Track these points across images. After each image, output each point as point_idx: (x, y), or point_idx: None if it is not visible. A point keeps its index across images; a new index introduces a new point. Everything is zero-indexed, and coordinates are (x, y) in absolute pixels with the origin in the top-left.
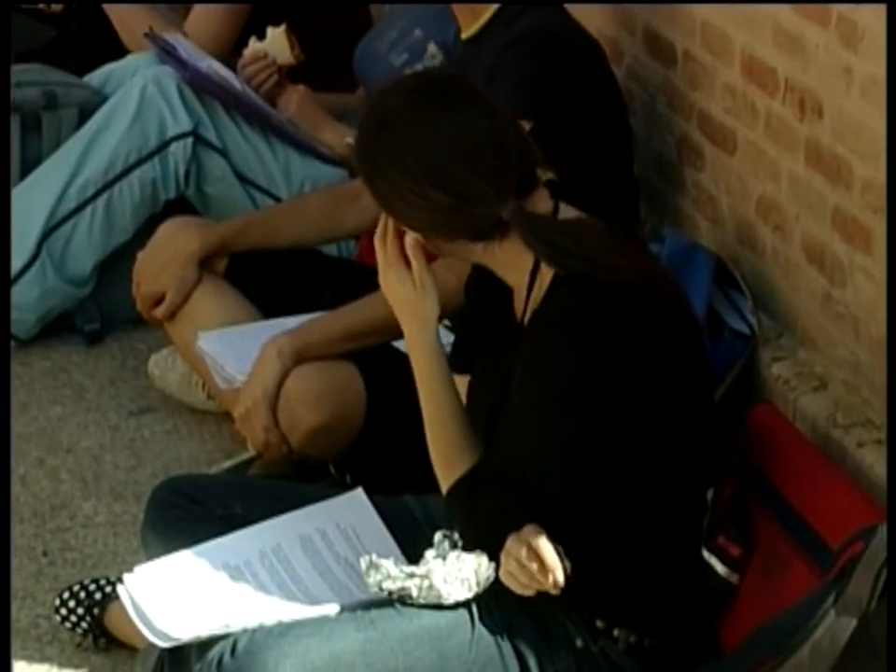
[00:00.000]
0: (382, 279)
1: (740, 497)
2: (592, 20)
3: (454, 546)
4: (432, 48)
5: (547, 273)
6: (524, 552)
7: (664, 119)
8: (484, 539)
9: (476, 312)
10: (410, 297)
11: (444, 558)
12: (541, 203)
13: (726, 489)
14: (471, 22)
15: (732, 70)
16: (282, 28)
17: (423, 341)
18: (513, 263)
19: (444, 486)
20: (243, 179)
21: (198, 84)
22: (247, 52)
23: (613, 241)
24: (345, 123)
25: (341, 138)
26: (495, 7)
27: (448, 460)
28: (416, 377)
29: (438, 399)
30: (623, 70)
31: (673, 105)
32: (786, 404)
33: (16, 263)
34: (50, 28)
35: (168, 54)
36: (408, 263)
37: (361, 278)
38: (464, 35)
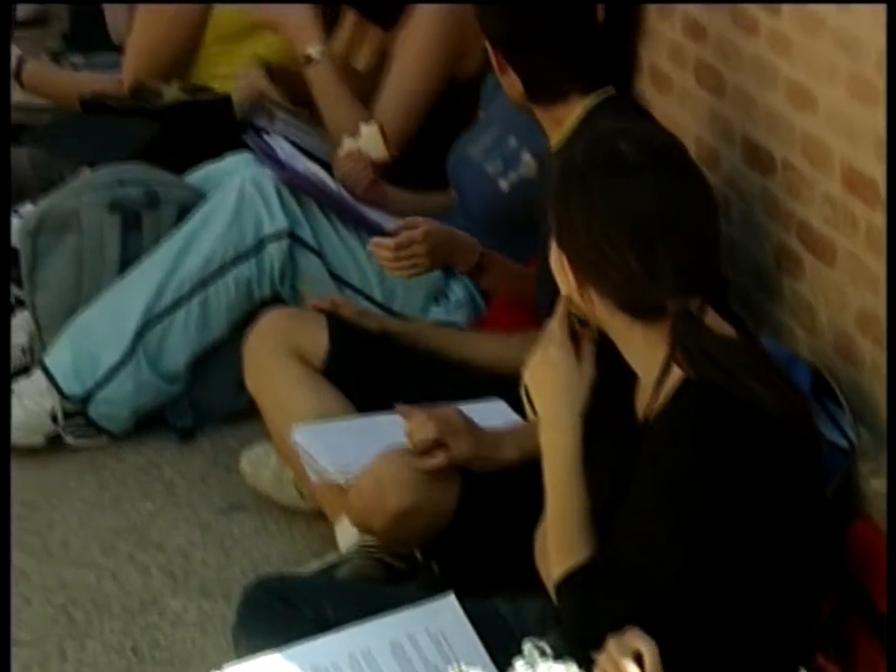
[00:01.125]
0: (541, 354)
1: (839, 614)
2: (688, 128)
3: (543, 655)
4: (526, 157)
5: (677, 371)
6: (627, 660)
7: (761, 228)
8: (587, 633)
9: (595, 393)
10: (569, 378)
11: (534, 668)
12: (694, 302)
13: (825, 606)
14: (556, 131)
15: (832, 180)
16: (375, 125)
17: (568, 422)
18: (647, 350)
19: (556, 573)
20: (337, 279)
21: (294, 184)
22: (342, 150)
23: (755, 360)
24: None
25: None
26: (578, 112)
27: (564, 548)
28: (548, 459)
29: (569, 484)
30: (719, 178)
31: (771, 214)
32: (885, 520)
33: (112, 358)
34: (156, 125)
35: (266, 155)
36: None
37: (459, 376)
38: (553, 144)
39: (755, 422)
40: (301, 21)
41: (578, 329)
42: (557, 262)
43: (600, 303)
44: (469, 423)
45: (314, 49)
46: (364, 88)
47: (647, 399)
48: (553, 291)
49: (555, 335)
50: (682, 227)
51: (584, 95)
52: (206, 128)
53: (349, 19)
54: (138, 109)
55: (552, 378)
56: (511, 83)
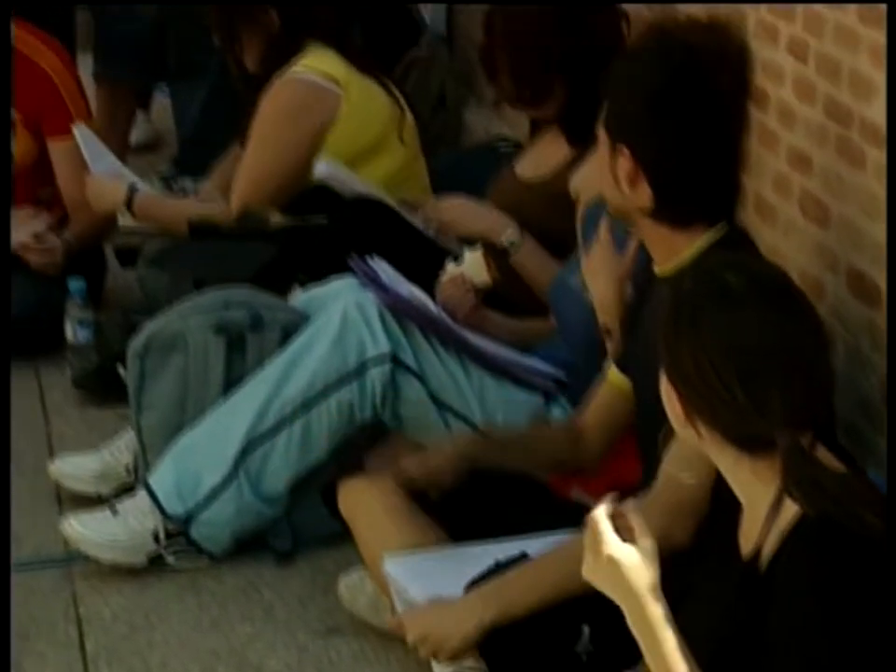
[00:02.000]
0: (593, 559)
1: None
2: (793, 259)
3: None
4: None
5: (791, 506)
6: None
7: (868, 360)
8: None
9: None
10: (633, 571)
11: None
12: (805, 436)
13: None
14: (669, 257)
15: None
16: (479, 251)
17: (652, 613)
18: (756, 483)
19: None
20: (438, 403)
21: (397, 308)
22: (445, 275)
23: (868, 494)
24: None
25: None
26: (699, 245)
27: None
28: (644, 648)
29: (665, 641)
30: (824, 309)
31: (877, 345)
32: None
33: (214, 479)
34: (271, 248)
35: (370, 279)
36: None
37: (555, 507)
38: (658, 271)
39: (875, 558)
40: (489, 219)
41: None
42: (666, 392)
43: (708, 435)
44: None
45: (508, 238)
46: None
47: (754, 532)
48: (658, 418)
49: (601, 534)
50: (791, 360)
51: (707, 228)
52: (313, 252)
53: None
54: (245, 233)
55: (615, 577)
56: (640, 195)
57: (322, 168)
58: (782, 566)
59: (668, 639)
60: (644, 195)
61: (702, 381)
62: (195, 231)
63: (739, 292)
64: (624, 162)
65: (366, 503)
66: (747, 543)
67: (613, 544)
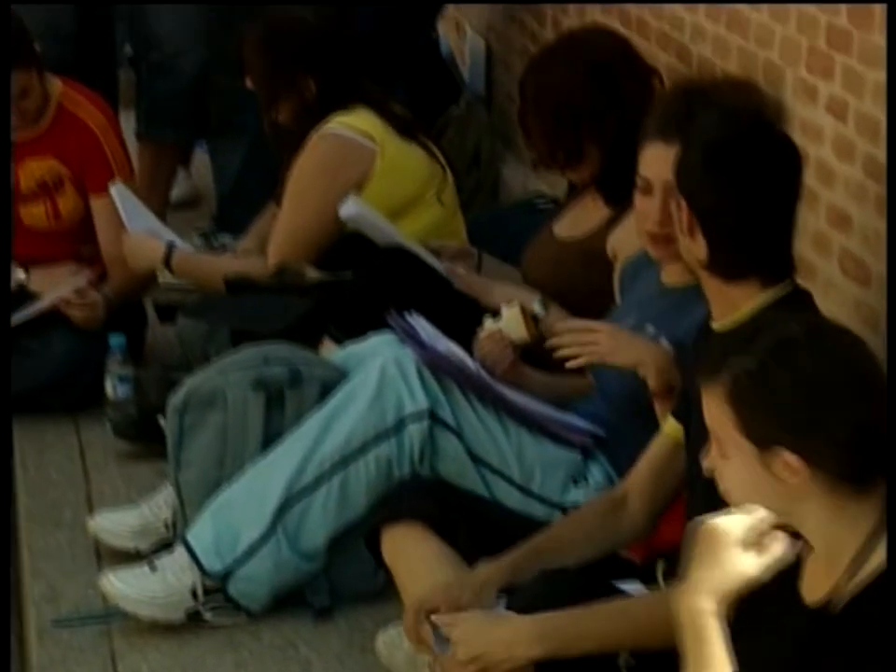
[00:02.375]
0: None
1: None
2: (833, 317)
3: None
4: (664, 343)
5: (879, 553)
6: None
7: None
8: None
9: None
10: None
11: None
12: None
13: None
14: (725, 313)
15: None
16: (517, 307)
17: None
18: (842, 528)
19: None
20: (476, 459)
21: (435, 365)
22: (483, 332)
23: None
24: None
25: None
26: (760, 301)
27: None
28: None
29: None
30: None
31: None
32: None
33: (252, 535)
34: (307, 301)
35: (408, 335)
36: None
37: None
38: (715, 325)
39: None
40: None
41: None
42: (734, 445)
43: (799, 475)
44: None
45: (538, 307)
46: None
47: (826, 579)
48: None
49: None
50: (872, 392)
51: (764, 284)
52: (347, 306)
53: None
54: (281, 288)
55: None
56: (695, 248)
57: (350, 207)
58: (865, 614)
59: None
60: (700, 246)
61: (803, 419)
62: (231, 287)
63: (808, 334)
64: (682, 214)
65: (408, 551)
66: (814, 591)
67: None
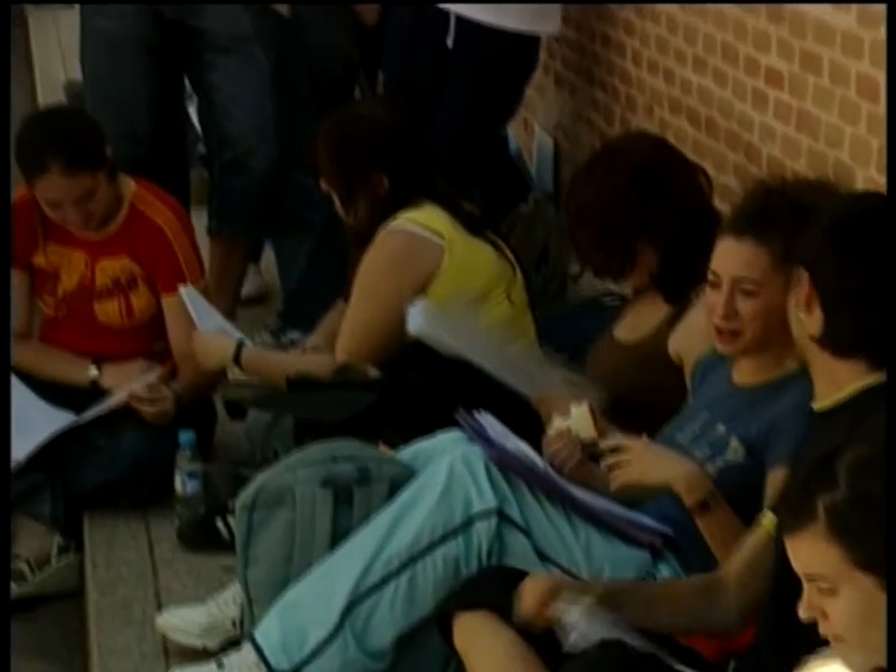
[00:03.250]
0: None
1: None
2: None
3: None
4: (734, 442)
5: None
6: None
7: None
8: None
9: None
10: None
11: None
12: None
13: None
14: (828, 393)
15: None
16: (585, 405)
17: None
18: None
19: None
20: (543, 557)
21: (503, 463)
22: (551, 430)
23: None
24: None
25: None
26: (867, 382)
27: None
28: None
29: None
30: None
31: None
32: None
33: (319, 634)
34: (369, 396)
35: (477, 433)
36: None
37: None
38: (816, 406)
39: None
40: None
41: None
42: (844, 581)
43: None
44: None
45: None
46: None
47: None
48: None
49: None
50: None
51: (871, 366)
52: (409, 403)
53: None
54: (343, 385)
55: None
56: (810, 322)
57: (417, 320)
58: None
59: None
60: (815, 320)
61: None
62: (293, 386)
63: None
64: (802, 288)
65: (482, 641)
66: None
67: None
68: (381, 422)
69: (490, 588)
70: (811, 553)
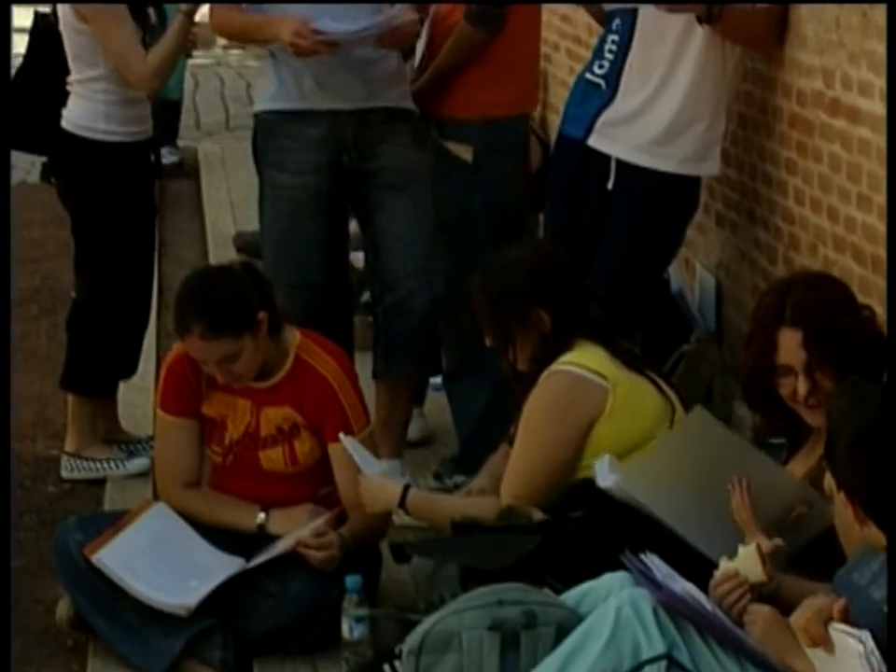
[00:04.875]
0: None
1: None
2: None
3: None
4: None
5: None
6: None
7: None
8: None
9: None
10: None
11: None
12: None
13: None
14: None
15: None
16: (753, 546)
17: None
18: None
19: None
20: None
21: (671, 606)
22: (718, 571)
23: None
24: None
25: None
26: None
27: None
28: None
29: None
30: None
31: None
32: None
33: None
34: (534, 539)
35: (643, 575)
36: None
37: None
38: None
39: None
40: None
41: None
42: None
43: None
44: None
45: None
46: None
47: None
48: None
49: None
50: None
51: None
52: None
53: None
54: (507, 529)
55: None
56: (872, 534)
57: (609, 480)
58: None
59: None
60: (873, 530)
61: None
62: (458, 529)
63: None
64: (848, 507)
65: None
66: None
67: None
68: (546, 565)
69: None
70: None
